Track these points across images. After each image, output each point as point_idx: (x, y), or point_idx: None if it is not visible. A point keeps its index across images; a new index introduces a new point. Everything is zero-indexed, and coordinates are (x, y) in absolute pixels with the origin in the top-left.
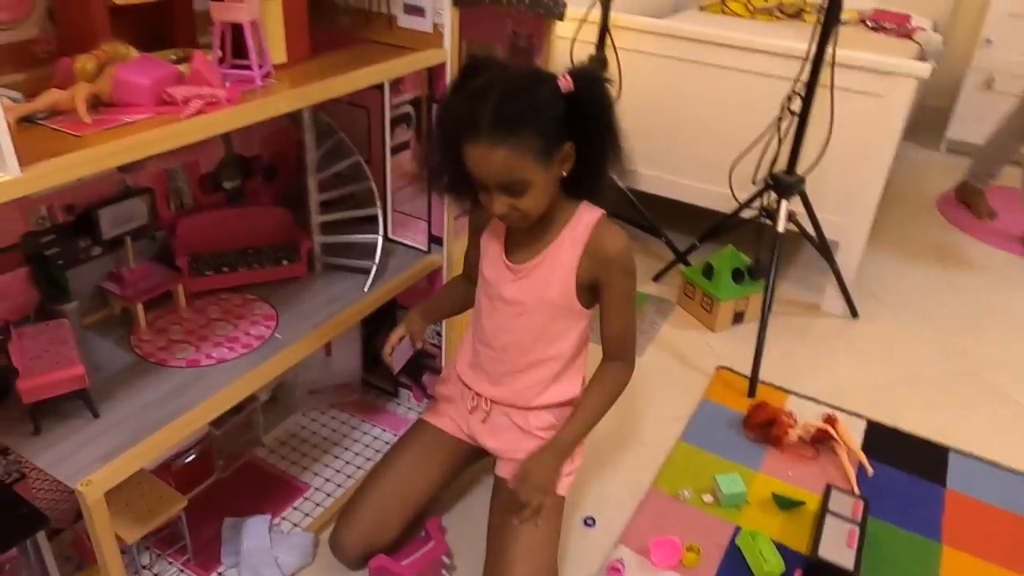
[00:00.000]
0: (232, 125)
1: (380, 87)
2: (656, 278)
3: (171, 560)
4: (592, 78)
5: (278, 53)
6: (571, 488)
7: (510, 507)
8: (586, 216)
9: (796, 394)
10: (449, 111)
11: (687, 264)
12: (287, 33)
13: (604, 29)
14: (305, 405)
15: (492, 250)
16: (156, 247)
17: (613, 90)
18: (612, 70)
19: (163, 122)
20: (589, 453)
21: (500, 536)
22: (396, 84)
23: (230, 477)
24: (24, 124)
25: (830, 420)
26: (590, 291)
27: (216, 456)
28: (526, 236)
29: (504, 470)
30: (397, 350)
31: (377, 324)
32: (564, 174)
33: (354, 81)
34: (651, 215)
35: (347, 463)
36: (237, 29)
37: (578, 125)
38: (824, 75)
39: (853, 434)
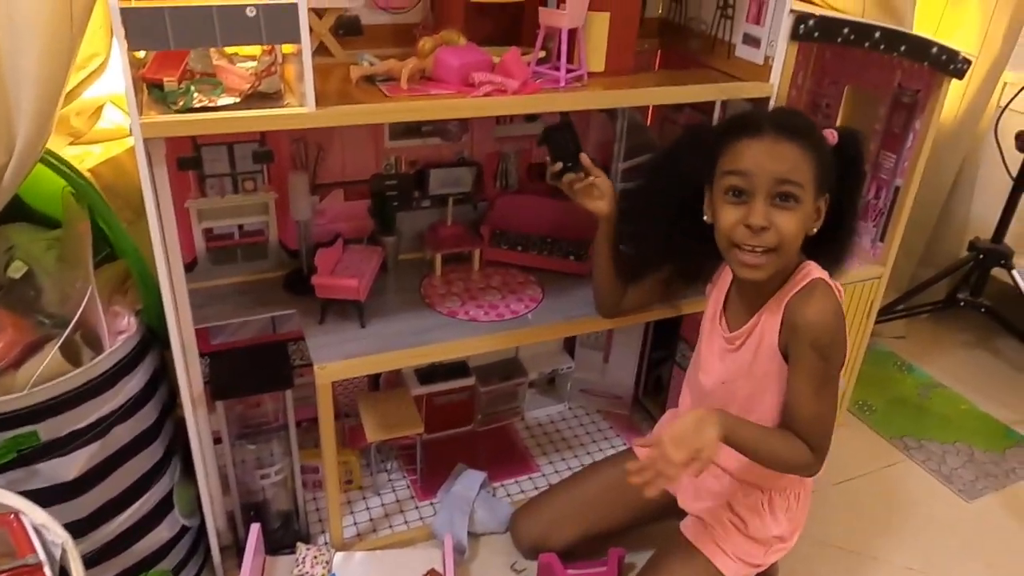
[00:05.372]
0: (506, 111)
1: (710, 114)
2: None
3: (405, 474)
4: (856, 138)
5: (596, 62)
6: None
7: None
8: (801, 274)
9: None
10: (704, 128)
11: None
12: (610, 45)
13: None
14: (574, 400)
15: (710, 310)
16: (476, 215)
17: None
18: None
19: (452, 97)
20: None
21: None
22: None
23: (483, 433)
24: (365, 82)
25: None
26: None
27: (477, 411)
28: (746, 296)
29: (688, 529)
30: None
31: (665, 352)
32: (814, 230)
33: (641, 97)
34: None
35: (581, 464)
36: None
37: (836, 183)
38: None
39: None
